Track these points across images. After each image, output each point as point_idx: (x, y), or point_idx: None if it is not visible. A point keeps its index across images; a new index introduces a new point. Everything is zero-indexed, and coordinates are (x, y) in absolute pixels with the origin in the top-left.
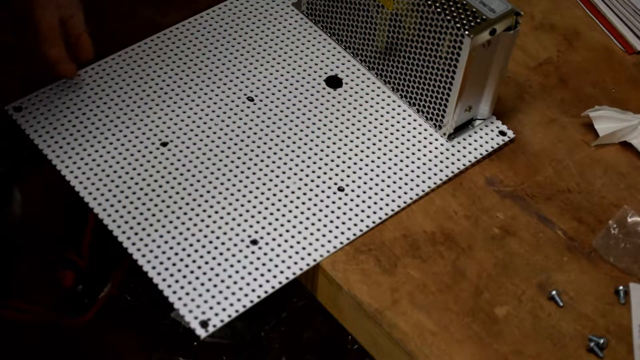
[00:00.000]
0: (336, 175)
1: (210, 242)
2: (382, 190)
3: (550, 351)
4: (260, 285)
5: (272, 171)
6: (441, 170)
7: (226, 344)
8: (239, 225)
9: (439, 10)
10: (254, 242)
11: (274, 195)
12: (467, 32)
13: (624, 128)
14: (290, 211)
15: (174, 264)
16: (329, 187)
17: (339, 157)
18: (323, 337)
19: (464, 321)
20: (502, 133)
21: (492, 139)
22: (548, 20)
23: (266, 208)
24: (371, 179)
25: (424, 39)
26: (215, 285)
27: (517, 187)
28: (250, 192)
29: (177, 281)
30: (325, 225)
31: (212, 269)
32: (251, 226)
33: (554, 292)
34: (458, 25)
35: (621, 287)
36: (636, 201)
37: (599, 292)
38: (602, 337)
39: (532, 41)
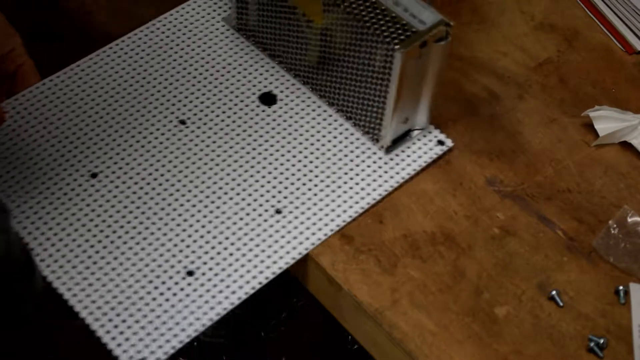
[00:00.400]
0: (273, 197)
1: (145, 275)
2: (320, 210)
3: (550, 351)
4: (198, 319)
5: (207, 197)
6: (380, 185)
7: (226, 344)
8: (174, 256)
9: (367, 24)
10: (190, 273)
11: (210, 222)
12: (397, 46)
13: (624, 128)
14: (226, 238)
15: (106, 302)
16: (266, 210)
17: (275, 177)
18: (323, 337)
19: (464, 321)
20: (441, 142)
21: (430, 149)
22: (548, 20)
23: (202, 236)
24: (309, 199)
25: (356, 53)
26: (150, 322)
27: (517, 187)
28: (185, 220)
29: (110, 320)
30: (263, 251)
31: (147, 304)
32: (187, 256)
33: (554, 292)
34: (388, 39)
35: (621, 287)
36: (636, 201)
37: (599, 292)
38: (602, 337)
39: (532, 41)
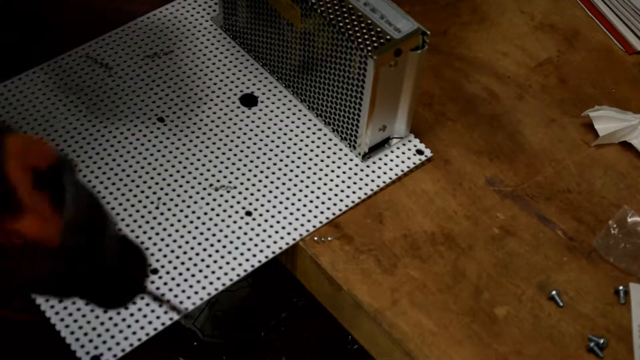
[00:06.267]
0: (245, 199)
1: None
2: (291, 214)
3: (550, 351)
4: (158, 317)
5: (179, 195)
6: (354, 192)
7: (226, 344)
8: None
9: (342, 30)
10: (155, 271)
11: (179, 221)
12: (370, 54)
13: (624, 128)
14: (194, 238)
15: None
16: (237, 212)
17: (249, 179)
18: (323, 337)
19: (464, 321)
20: (420, 152)
21: (408, 158)
22: (548, 20)
23: (169, 235)
24: (281, 202)
25: (333, 59)
26: (110, 318)
27: (517, 187)
28: (155, 218)
29: (70, 314)
30: (229, 252)
31: None
32: (153, 254)
33: (554, 292)
34: (361, 46)
35: (621, 287)
36: (636, 201)
37: (599, 292)
38: (602, 337)
39: (532, 41)
